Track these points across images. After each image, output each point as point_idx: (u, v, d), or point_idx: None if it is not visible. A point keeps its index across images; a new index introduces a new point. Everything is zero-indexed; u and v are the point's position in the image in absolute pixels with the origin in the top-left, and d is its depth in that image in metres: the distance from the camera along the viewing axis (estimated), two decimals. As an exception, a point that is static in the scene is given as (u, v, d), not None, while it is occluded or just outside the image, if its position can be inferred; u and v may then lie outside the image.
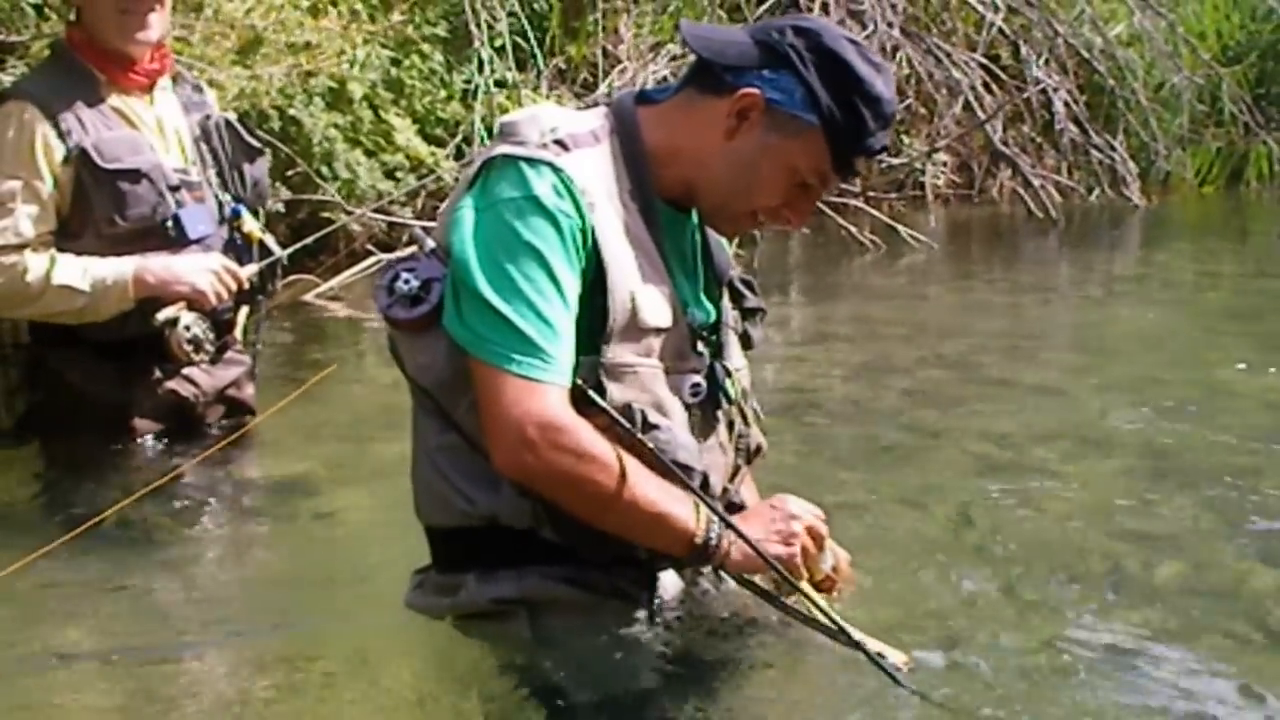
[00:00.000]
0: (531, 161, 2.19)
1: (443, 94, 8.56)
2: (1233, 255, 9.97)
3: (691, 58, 2.38)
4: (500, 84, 8.54)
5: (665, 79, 9.38)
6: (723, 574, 2.39)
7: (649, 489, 2.17)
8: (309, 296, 7.15)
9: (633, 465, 2.16)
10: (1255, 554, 3.20)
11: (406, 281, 2.23)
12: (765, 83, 2.25)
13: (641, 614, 2.39)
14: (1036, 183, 11.34)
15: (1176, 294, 8.00)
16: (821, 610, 2.26)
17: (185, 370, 3.91)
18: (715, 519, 2.22)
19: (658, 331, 2.25)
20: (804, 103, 2.24)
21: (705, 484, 2.27)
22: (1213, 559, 3.17)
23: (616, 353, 2.21)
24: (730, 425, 2.43)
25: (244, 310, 4.05)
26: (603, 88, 9.44)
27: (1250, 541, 3.30)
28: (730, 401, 2.42)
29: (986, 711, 2.31)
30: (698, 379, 2.32)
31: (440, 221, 2.33)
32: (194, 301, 3.74)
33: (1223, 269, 9.05)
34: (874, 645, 2.26)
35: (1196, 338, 6.38)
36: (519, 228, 2.15)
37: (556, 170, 2.19)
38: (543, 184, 2.17)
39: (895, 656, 2.28)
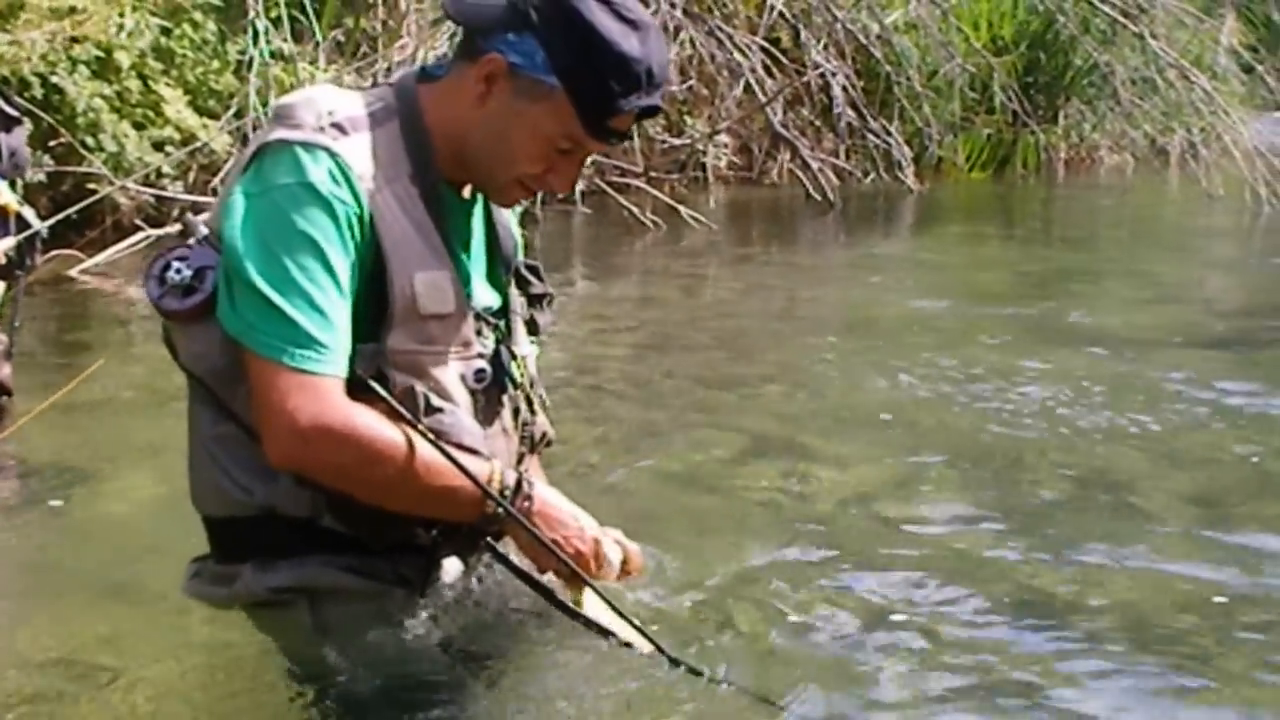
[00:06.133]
0: (307, 146, 2.12)
1: (216, 65, 8.34)
2: (999, 240, 10.29)
3: None
4: (276, 55, 8.35)
5: (447, 54, 9.29)
6: (498, 563, 2.38)
7: (436, 466, 2.14)
8: (73, 272, 6.91)
9: (419, 445, 2.13)
10: (1013, 530, 3.33)
11: (178, 271, 2.15)
12: (509, 46, 2.17)
13: (423, 601, 2.37)
14: (815, 165, 11.58)
15: (946, 276, 8.23)
16: (593, 589, 2.29)
17: (-60, 348, 3.73)
18: (509, 482, 2.21)
19: (439, 318, 2.21)
20: (545, 65, 2.17)
21: None
22: (974, 535, 3.28)
23: (397, 340, 2.17)
24: (515, 412, 2.41)
25: (0, 286, 3.88)
26: (382, 62, 9.31)
27: (1008, 519, 3.43)
28: (515, 387, 2.39)
29: (754, 685, 2.36)
30: (482, 364, 2.29)
31: (215, 207, 2.25)
32: (-53, 278, 3.56)
33: (989, 253, 9.33)
34: (627, 633, 2.29)
35: (963, 319, 6.58)
36: (293, 216, 2.09)
37: (333, 155, 2.13)
38: (318, 170, 2.11)
39: (644, 646, 2.31)
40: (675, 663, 2.30)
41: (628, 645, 2.29)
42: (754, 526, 3.31)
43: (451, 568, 2.43)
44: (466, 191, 2.35)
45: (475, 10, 2.22)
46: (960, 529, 3.31)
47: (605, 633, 2.30)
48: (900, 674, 2.50)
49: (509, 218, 2.49)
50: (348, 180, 2.12)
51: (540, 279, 2.51)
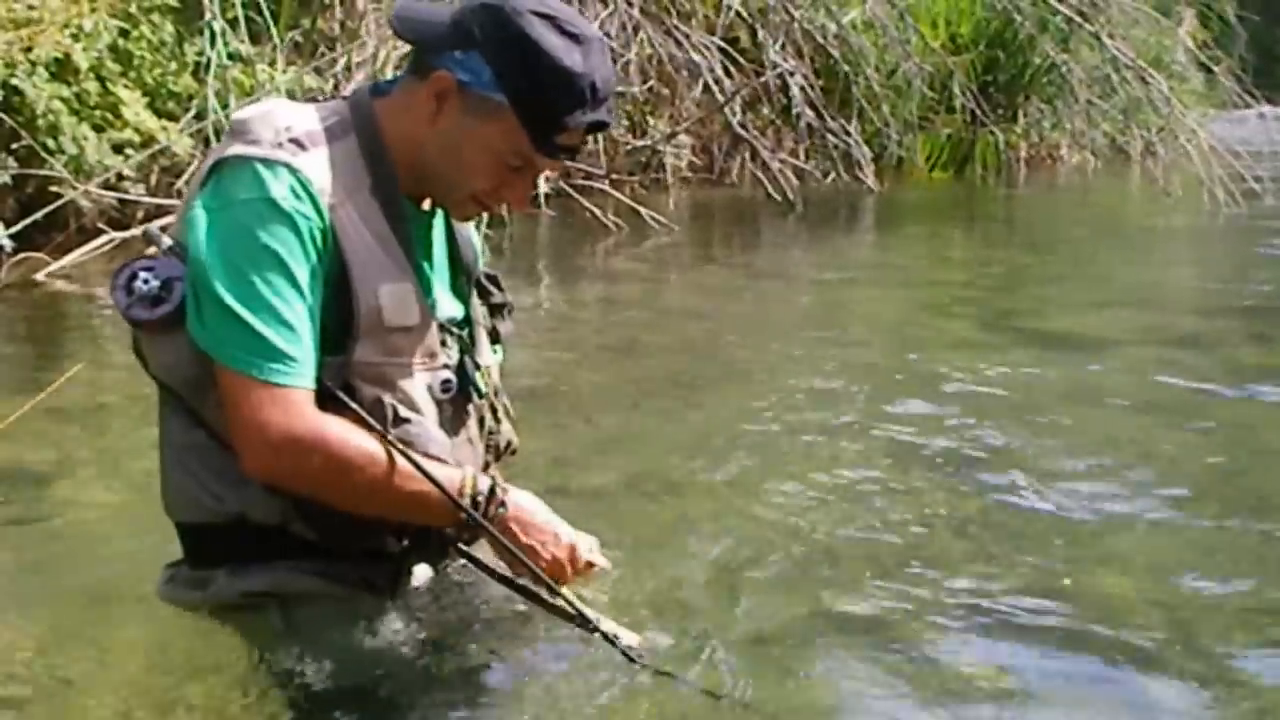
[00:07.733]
0: (267, 162, 2.13)
1: (174, 67, 8.28)
2: (960, 240, 10.33)
3: None
4: (235, 57, 8.30)
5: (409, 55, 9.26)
6: (471, 565, 2.38)
7: (407, 474, 2.15)
8: (39, 276, 6.86)
9: (390, 453, 2.14)
10: (973, 532, 3.35)
11: (146, 281, 2.16)
12: (456, 64, 2.19)
13: (392, 605, 2.39)
14: (775, 166, 11.58)
15: (907, 277, 8.24)
16: (561, 597, 2.30)
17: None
18: (482, 488, 2.22)
19: (404, 330, 2.22)
20: (492, 83, 2.18)
21: None
22: (937, 537, 3.30)
23: (364, 352, 2.19)
24: (480, 421, 2.43)
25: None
26: (341, 63, 9.27)
27: (968, 521, 3.44)
28: (480, 396, 2.41)
29: (721, 684, 2.39)
30: (448, 375, 2.30)
31: (177, 219, 2.26)
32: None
33: (950, 253, 9.36)
34: (610, 627, 2.32)
35: (924, 321, 6.61)
36: (257, 231, 2.10)
37: (293, 171, 2.13)
38: (279, 186, 2.12)
39: (629, 638, 2.34)
40: (637, 663, 2.31)
41: (594, 630, 2.29)
42: (713, 531, 3.30)
43: (421, 570, 2.45)
44: (426, 204, 2.36)
45: (425, 28, 2.24)
46: (923, 531, 3.32)
47: (572, 618, 2.30)
48: (867, 674, 2.52)
49: (469, 227, 2.50)
50: (309, 195, 2.13)
51: (500, 288, 2.52)
